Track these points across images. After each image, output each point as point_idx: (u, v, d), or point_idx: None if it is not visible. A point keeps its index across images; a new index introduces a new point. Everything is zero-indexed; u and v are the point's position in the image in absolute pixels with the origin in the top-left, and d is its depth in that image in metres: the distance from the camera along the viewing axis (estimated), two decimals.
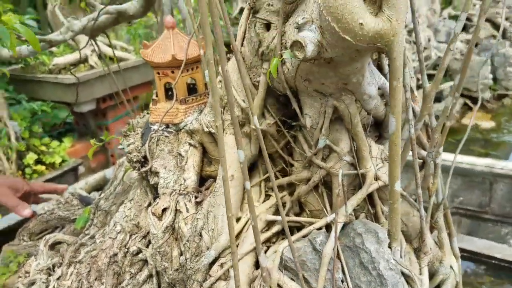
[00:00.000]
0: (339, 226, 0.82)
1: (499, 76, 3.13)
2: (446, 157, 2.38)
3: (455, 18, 3.50)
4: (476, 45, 3.35)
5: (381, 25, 0.59)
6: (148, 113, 1.19)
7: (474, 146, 2.67)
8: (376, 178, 0.85)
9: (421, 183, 0.91)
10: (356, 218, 0.88)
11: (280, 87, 0.84)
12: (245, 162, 0.65)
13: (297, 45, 0.64)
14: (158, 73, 1.08)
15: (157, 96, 1.11)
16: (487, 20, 3.67)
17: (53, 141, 3.23)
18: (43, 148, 3.18)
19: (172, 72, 1.06)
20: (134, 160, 1.07)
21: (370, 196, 0.88)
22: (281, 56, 0.73)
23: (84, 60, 3.48)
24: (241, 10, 5.51)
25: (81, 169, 3.46)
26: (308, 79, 0.76)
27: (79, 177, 3.33)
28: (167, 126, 1.07)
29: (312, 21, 0.64)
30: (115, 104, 3.67)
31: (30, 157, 3.01)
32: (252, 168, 1.02)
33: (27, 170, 2.99)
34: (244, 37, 0.87)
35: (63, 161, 3.19)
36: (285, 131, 0.90)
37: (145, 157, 1.06)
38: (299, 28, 0.65)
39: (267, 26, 0.80)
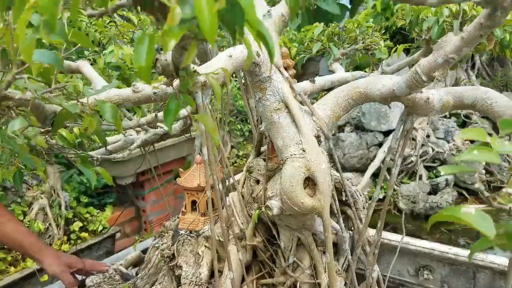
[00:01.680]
0: None
1: (495, 169, 3.46)
2: (438, 248, 2.69)
3: (455, 115, 3.92)
4: (473, 142, 3.73)
5: (314, 203, 1.02)
6: (178, 218, 1.63)
7: (464, 236, 2.97)
8: (329, 286, 1.23)
9: None
10: None
11: (265, 219, 1.26)
12: (237, 280, 1.06)
13: (268, 207, 1.07)
14: (187, 193, 1.53)
15: (185, 208, 1.55)
16: (486, 118, 4.06)
17: (96, 211, 3.72)
18: (88, 216, 3.68)
19: (197, 193, 1.51)
20: (166, 256, 1.49)
21: None
22: (262, 208, 1.16)
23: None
24: None
25: (118, 234, 3.92)
26: (280, 219, 1.18)
27: (115, 242, 3.79)
28: (191, 232, 1.50)
29: (277, 195, 1.07)
30: (159, 174, 4.18)
31: (76, 225, 3.49)
32: (249, 267, 1.42)
33: (72, 236, 3.46)
34: (244, 183, 1.31)
35: (104, 228, 3.66)
36: (269, 247, 1.31)
37: (173, 254, 1.49)
38: (269, 198, 1.08)
39: (257, 181, 1.25)
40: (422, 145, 3.50)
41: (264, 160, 1.25)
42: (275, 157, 1.25)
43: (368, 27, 1.84)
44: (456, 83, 4.11)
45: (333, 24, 1.82)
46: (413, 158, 3.45)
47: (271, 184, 1.18)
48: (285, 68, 1.22)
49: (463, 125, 4.01)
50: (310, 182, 1.04)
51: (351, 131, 3.92)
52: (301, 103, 1.09)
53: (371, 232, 2.62)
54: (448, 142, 3.62)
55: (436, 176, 3.43)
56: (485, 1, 0.71)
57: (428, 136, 3.59)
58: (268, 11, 1.06)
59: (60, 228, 3.47)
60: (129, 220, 4.33)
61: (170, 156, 4.26)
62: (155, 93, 0.83)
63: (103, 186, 4.31)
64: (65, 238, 3.45)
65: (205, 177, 1.49)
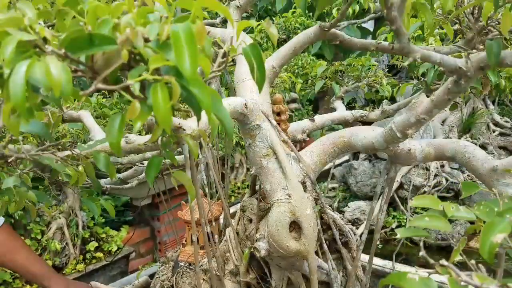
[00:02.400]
0: None
1: None
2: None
3: None
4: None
5: (299, 247, 1.06)
6: (179, 249, 1.68)
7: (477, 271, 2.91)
8: None
9: None
10: None
11: (258, 257, 1.30)
12: None
13: (256, 249, 1.11)
14: (188, 226, 1.58)
15: (186, 241, 1.61)
16: (504, 148, 4.00)
17: (113, 231, 3.82)
18: (104, 235, 3.78)
19: (196, 227, 1.56)
20: (165, 287, 1.54)
21: None
22: (253, 248, 1.20)
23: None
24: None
25: (132, 255, 4.00)
26: (271, 259, 1.22)
27: (130, 262, 3.87)
28: (190, 264, 1.55)
29: (264, 237, 1.11)
30: (167, 199, 4.27)
31: (92, 245, 3.59)
32: None
33: (88, 255, 3.55)
34: (239, 221, 1.36)
35: (119, 248, 3.74)
36: (262, 284, 1.35)
37: (172, 286, 1.54)
38: (258, 240, 1.12)
39: (250, 220, 1.30)
40: (436, 175, 3.47)
41: (257, 199, 1.30)
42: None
43: (371, 65, 1.88)
44: (473, 112, 4.08)
45: (336, 63, 1.87)
46: (426, 189, 3.43)
47: (263, 224, 1.23)
48: (279, 113, 1.27)
49: None
50: (296, 225, 1.08)
51: (365, 159, 3.92)
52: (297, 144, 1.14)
53: (380, 262, 2.61)
54: (463, 172, 3.58)
55: None
56: (449, 71, 0.75)
57: (442, 166, 3.56)
58: None
59: (76, 248, 3.57)
60: (144, 241, 4.41)
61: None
62: (145, 144, 0.90)
63: (122, 204, 4.43)
64: (81, 257, 3.54)
65: (205, 210, 1.55)
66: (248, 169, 5.45)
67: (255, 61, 0.69)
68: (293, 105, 4.95)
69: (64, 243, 3.51)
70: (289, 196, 1.05)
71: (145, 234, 4.49)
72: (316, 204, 1.26)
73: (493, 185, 0.92)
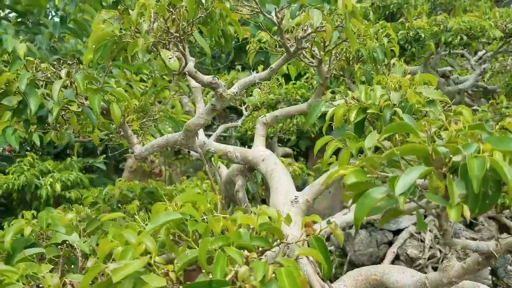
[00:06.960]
0: None
1: (500, 274, 3.50)
2: None
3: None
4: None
5: None
6: None
7: None
8: None
9: None
10: None
11: None
12: None
13: None
14: None
15: None
16: (492, 218, 4.17)
17: None
18: None
19: None
20: None
21: None
22: None
23: None
24: None
25: None
26: None
27: None
28: None
29: None
30: None
31: None
32: None
33: None
34: None
35: None
36: None
37: None
38: None
39: None
40: (431, 247, 3.58)
41: None
42: None
43: None
44: None
45: None
46: (421, 261, 3.53)
47: None
48: (307, 235, 1.37)
49: (469, 226, 4.11)
50: None
51: (361, 227, 4.02)
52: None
53: None
54: None
55: None
56: (482, 253, 0.86)
57: (436, 237, 3.68)
58: (295, 198, 1.24)
59: None
60: None
61: None
62: None
63: None
64: None
65: None
66: None
67: (323, 255, 0.79)
68: (288, 160, 5.17)
69: None
70: None
71: None
72: None
73: None
